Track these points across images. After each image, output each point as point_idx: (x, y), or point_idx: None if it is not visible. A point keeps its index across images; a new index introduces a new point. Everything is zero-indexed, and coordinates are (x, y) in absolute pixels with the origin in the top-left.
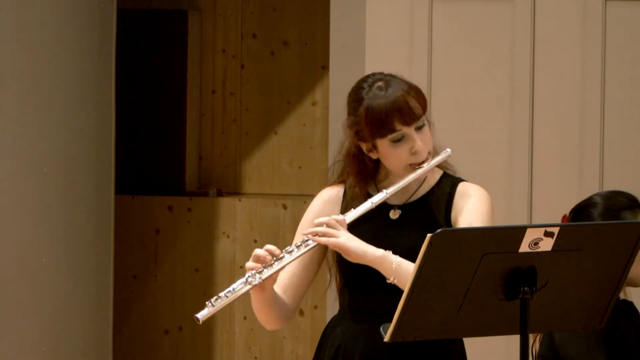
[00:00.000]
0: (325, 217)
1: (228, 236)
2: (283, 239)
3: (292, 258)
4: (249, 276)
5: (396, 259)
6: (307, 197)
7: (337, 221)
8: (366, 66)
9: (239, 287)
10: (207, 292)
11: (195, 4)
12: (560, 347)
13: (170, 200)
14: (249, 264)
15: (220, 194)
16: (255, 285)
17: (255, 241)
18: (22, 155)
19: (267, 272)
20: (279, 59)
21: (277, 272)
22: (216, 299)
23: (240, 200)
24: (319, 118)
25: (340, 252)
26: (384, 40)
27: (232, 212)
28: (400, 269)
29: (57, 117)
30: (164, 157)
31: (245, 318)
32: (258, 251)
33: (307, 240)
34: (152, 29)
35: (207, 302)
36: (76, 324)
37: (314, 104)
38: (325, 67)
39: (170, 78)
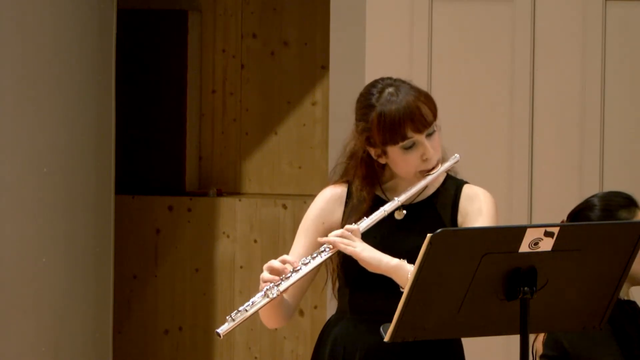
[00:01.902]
0: (340, 230)
1: (228, 236)
2: (283, 239)
3: (308, 269)
4: (267, 289)
5: (411, 268)
6: (307, 197)
7: (352, 231)
8: (366, 66)
9: (258, 300)
10: (207, 292)
11: (195, 4)
12: (570, 347)
13: (170, 200)
14: (265, 275)
15: (220, 194)
16: (273, 299)
17: (255, 241)
18: (22, 155)
19: (284, 285)
20: (279, 59)
21: (294, 283)
22: (236, 313)
23: (240, 200)
24: (319, 118)
25: None
26: (384, 41)
27: (232, 212)
28: None
29: (57, 117)
30: (164, 157)
31: None
32: (274, 263)
33: (322, 251)
34: (152, 29)
35: (227, 317)
36: (76, 324)
37: (314, 104)
38: (325, 67)
39: (170, 78)
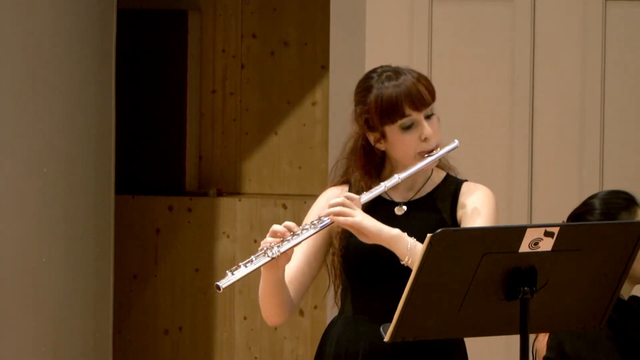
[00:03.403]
0: (340, 197)
1: (228, 236)
2: None
3: (309, 234)
4: (267, 248)
5: (411, 240)
6: (307, 197)
7: (352, 199)
8: (366, 66)
9: (258, 258)
10: (207, 292)
11: (195, 4)
12: (571, 351)
13: (170, 200)
14: (267, 239)
15: (220, 194)
16: (273, 258)
17: (255, 241)
18: (22, 155)
19: (285, 246)
20: (279, 59)
21: (294, 246)
22: (235, 268)
23: (240, 200)
24: (319, 118)
25: (355, 232)
26: (384, 41)
27: (232, 212)
28: (415, 250)
29: (57, 117)
30: (164, 157)
31: (245, 318)
32: (276, 227)
33: (324, 217)
34: (152, 29)
35: (227, 271)
36: (76, 324)
37: (314, 104)
38: (325, 67)
39: (170, 78)
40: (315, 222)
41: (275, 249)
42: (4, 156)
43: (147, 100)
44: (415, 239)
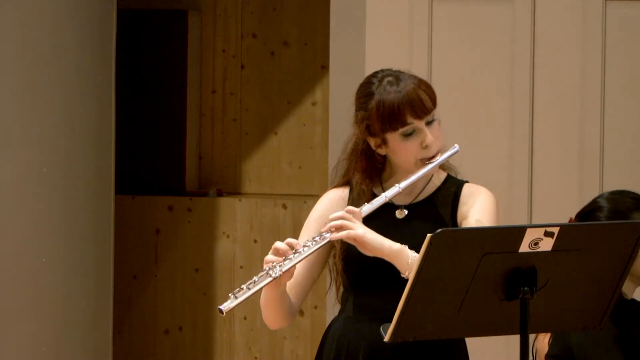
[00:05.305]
0: (341, 212)
1: (228, 236)
2: (283, 239)
3: (311, 251)
4: (269, 268)
5: (412, 254)
6: (307, 197)
7: (353, 213)
8: (366, 66)
9: (260, 279)
10: (207, 292)
11: (195, 4)
12: (577, 348)
13: (170, 200)
14: (269, 257)
15: (220, 194)
16: (276, 278)
17: (255, 241)
18: (22, 155)
19: (287, 265)
20: (279, 59)
21: (296, 264)
22: (238, 291)
23: (240, 200)
24: (319, 118)
25: (357, 245)
26: (384, 40)
27: (232, 212)
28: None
29: (57, 117)
30: (164, 157)
31: (245, 318)
32: (278, 244)
33: (325, 232)
34: (152, 29)
35: (229, 295)
36: (76, 324)
37: (314, 104)
38: (325, 67)
39: (170, 78)
40: (317, 238)
41: (278, 268)
42: (4, 156)
43: (147, 100)
44: (415, 253)
